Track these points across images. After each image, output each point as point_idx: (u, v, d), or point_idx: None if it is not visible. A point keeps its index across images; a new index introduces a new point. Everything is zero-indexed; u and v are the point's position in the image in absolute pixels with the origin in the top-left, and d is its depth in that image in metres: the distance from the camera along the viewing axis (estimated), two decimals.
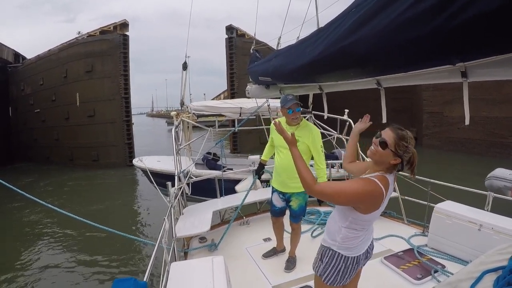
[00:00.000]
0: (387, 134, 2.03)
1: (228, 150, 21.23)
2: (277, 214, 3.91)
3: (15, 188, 3.11)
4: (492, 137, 17.94)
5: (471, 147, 18.79)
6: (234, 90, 22.19)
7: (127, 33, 19.80)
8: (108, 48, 19.28)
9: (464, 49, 1.60)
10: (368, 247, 2.28)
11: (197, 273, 2.56)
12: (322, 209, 5.47)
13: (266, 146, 4.10)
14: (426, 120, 21.29)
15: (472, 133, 18.83)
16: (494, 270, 2.08)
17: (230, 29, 22.91)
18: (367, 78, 2.50)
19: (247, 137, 21.84)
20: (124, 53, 19.58)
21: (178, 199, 4.60)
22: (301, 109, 3.63)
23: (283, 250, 4.15)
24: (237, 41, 22.58)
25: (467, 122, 1.95)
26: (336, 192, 1.97)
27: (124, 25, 19.72)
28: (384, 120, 2.43)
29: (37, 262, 7.57)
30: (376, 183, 1.97)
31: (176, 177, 4.81)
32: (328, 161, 7.14)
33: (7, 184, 3.17)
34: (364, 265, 2.33)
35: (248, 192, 4.82)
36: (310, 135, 3.58)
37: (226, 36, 23.04)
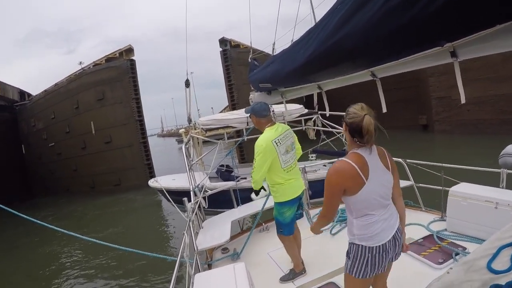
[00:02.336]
0: None
1: (237, 161, 21.32)
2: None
3: (35, 220, 3.24)
4: (503, 115, 17.62)
5: (483, 127, 18.44)
6: (235, 101, 22.15)
7: (133, 57, 20.23)
8: (117, 75, 19.75)
9: (448, 29, 1.65)
10: (395, 234, 2.22)
11: (220, 281, 2.63)
12: (339, 206, 5.46)
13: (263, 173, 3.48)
14: (435, 106, 20.97)
15: (482, 114, 18.52)
16: (510, 244, 2.07)
17: (223, 41, 22.97)
18: (361, 71, 2.55)
19: (253, 145, 21.76)
20: (133, 77, 20.00)
21: (196, 213, 4.66)
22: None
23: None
24: (231, 53, 22.66)
25: (462, 100, 2.00)
26: (324, 197, 2.22)
27: (129, 50, 20.17)
28: (384, 110, 2.45)
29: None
30: (340, 162, 2.13)
31: (191, 192, 4.89)
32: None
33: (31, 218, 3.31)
34: (397, 256, 2.30)
35: (267, 197, 4.72)
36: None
37: (221, 49, 23.11)
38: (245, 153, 21.84)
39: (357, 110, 2.11)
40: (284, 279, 3.62)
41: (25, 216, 3.71)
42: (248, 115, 3.79)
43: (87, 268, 8.84)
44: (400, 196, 2.37)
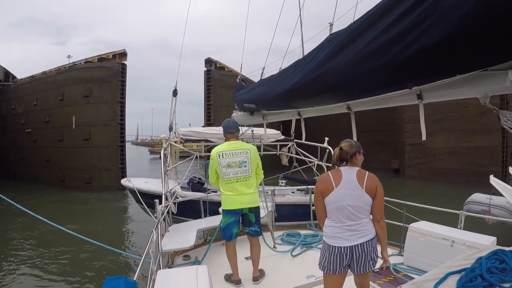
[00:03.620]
0: None
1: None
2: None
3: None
4: (474, 166, 18.35)
5: (452, 177, 19.09)
6: (211, 121, 22.49)
7: (125, 62, 20.35)
8: (107, 75, 19.75)
9: (415, 74, 1.91)
10: (356, 248, 2.61)
11: (181, 280, 2.70)
12: (303, 231, 5.64)
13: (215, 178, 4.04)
14: (408, 152, 21.73)
15: (454, 163, 19.32)
16: (458, 271, 2.25)
17: (209, 61, 23.30)
18: (338, 103, 2.80)
19: None
20: (122, 81, 20.08)
21: (165, 216, 4.76)
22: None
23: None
24: (215, 74, 23.02)
25: (423, 138, 2.27)
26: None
27: (123, 54, 20.30)
28: (355, 139, 2.84)
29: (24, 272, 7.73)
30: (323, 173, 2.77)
31: (163, 196, 5.00)
32: (309, 186, 7.39)
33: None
34: (361, 269, 2.65)
35: None
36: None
37: (205, 69, 23.36)
38: None
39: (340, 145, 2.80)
40: (225, 278, 4.05)
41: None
42: None
43: (45, 256, 8.72)
44: (378, 220, 2.73)
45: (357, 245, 2.62)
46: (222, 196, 3.93)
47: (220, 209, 6.01)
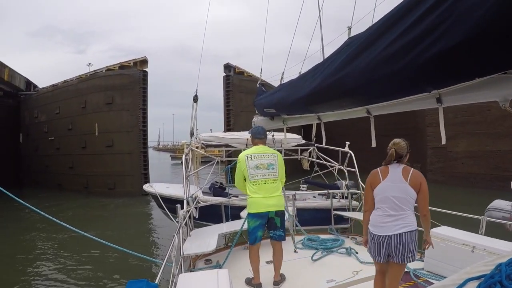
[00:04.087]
0: None
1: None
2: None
3: (32, 207, 3.42)
4: (497, 171, 17.83)
5: (475, 181, 18.60)
6: (231, 126, 22.47)
7: (146, 69, 20.72)
8: (129, 83, 20.15)
9: (434, 78, 1.93)
10: (394, 237, 2.83)
11: (202, 283, 2.74)
12: (324, 236, 5.63)
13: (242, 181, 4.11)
14: (430, 156, 21.34)
15: (476, 168, 18.76)
16: (477, 278, 2.22)
17: (227, 67, 23.31)
18: (358, 107, 2.83)
19: None
20: (144, 88, 20.43)
21: (186, 221, 4.84)
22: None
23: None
24: (234, 79, 23.07)
25: (443, 141, 2.30)
26: None
27: (143, 61, 20.68)
28: (374, 145, 2.81)
29: (48, 277, 7.88)
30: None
31: (185, 201, 5.08)
32: (330, 191, 7.38)
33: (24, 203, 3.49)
34: (399, 259, 2.84)
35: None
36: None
37: (224, 74, 23.42)
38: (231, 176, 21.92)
39: (390, 144, 2.98)
40: (246, 281, 4.06)
41: (27, 205, 3.90)
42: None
43: (68, 262, 8.88)
44: (425, 214, 2.99)
45: (396, 235, 2.82)
46: (248, 200, 3.96)
47: (242, 213, 6.09)
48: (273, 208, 3.91)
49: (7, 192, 4.04)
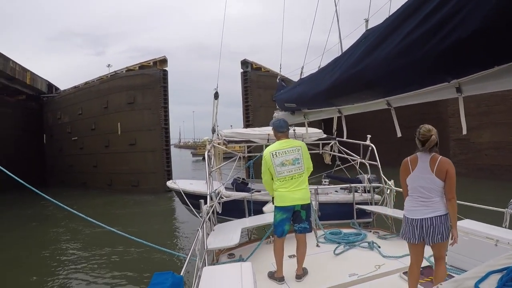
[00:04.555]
0: None
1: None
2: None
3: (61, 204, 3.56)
4: None
5: (499, 173, 18.04)
6: (250, 122, 22.51)
7: (166, 68, 21.08)
8: (149, 82, 20.59)
9: (453, 67, 1.92)
10: (425, 221, 3.02)
11: (226, 276, 2.81)
12: (346, 230, 5.64)
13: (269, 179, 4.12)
14: (452, 148, 20.73)
15: (501, 159, 18.19)
16: (500, 270, 2.20)
17: (245, 63, 23.35)
18: (378, 100, 2.83)
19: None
20: (164, 86, 20.85)
21: (210, 216, 4.93)
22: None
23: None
24: (251, 75, 23.08)
25: (464, 132, 2.27)
26: None
27: (163, 61, 21.06)
28: (399, 135, 2.80)
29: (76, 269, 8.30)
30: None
31: (208, 196, 5.17)
32: (352, 185, 7.35)
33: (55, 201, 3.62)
34: (430, 241, 3.03)
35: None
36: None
37: (242, 70, 23.50)
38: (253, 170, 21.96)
39: (425, 131, 3.12)
40: (269, 275, 4.12)
41: (55, 201, 4.05)
42: (271, 128, 4.28)
43: (92, 257, 9.22)
44: (450, 199, 3.05)
45: (427, 218, 3.02)
46: (275, 193, 4.01)
47: (264, 208, 6.16)
48: (298, 202, 3.95)
49: (43, 194, 4.20)
